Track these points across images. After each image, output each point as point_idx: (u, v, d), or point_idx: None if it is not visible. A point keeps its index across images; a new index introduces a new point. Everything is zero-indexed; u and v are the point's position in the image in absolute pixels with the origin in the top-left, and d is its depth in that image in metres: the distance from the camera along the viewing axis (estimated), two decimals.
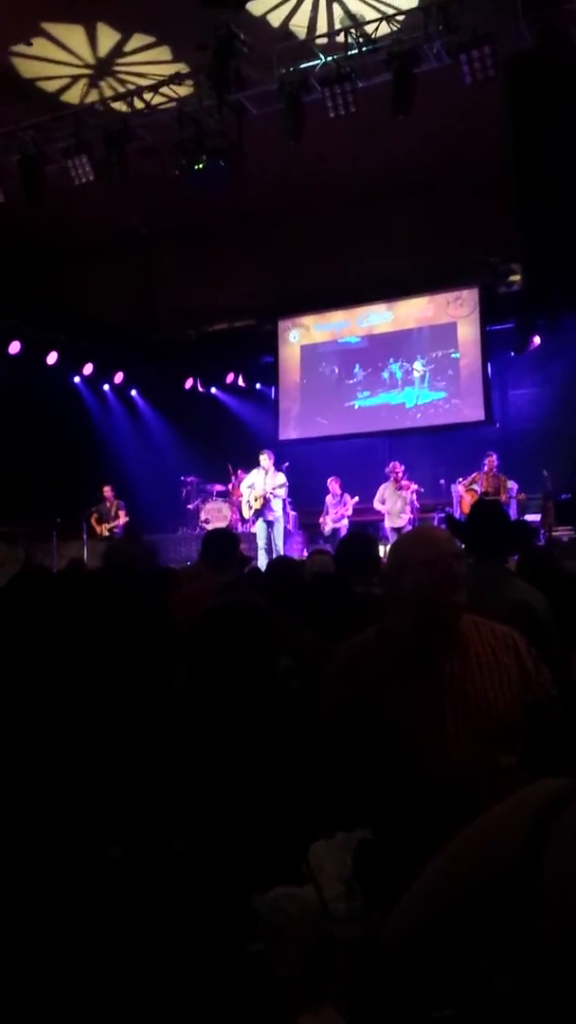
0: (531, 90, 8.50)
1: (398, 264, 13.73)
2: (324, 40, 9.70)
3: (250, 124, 10.08)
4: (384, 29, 9.26)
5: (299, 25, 9.85)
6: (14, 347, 13.21)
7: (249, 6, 9.15)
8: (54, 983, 1.49)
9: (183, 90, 10.22)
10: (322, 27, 9.82)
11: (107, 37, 9.98)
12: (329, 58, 9.50)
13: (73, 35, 9.87)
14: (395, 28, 9.19)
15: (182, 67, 10.15)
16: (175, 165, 10.40)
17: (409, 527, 11.27)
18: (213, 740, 1.94)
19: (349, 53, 9.34)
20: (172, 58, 10.25)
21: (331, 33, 9.65)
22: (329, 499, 12.28)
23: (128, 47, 10.14)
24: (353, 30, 9.37)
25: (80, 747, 2.07)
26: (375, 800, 1.96)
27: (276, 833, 1.69)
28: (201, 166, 10.26)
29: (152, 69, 10.46)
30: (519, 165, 8.86)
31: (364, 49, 9.29)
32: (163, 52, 10.20)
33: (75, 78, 10.73)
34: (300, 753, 2.01)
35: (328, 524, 12.14)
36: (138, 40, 10.04)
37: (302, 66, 9.63)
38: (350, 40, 9.36)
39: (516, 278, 12.56)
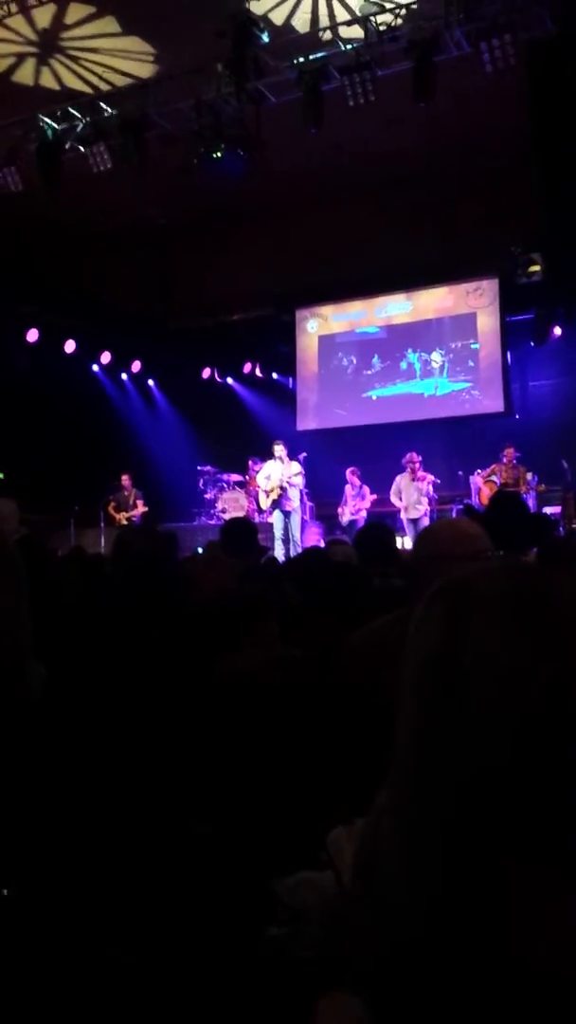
0: (553, 78, 8.43)
1: (417, 253, 13.66)
2: (345, 28, 9.64)
3: (268, 113, 10.05)
4: (405, 17, 9.19)
5: (302, 22, 9.79)
6: (32, 335, 13.25)
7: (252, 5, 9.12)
8: (76, 971, 1.51)
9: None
10: (324, 23, 9.73)
11: (44, 10, 9.61)
12: (349, 46, 9.46)
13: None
14: (415, 16, 9.12)
15: (136, 40, 9.95)
16: (193, 154, 10.38)
17: (426, 519, 11.25)
18: (235, 728, 1.95)
19: (369, 41, 9.29)
20: (122, 30, 9.94)
21: (351, 21, 9.58)
22: (348, 490, 12.28)
23: (68, 19, 9.81)
24: (373, 18, 9.31)
25: (96, 733, 2.09)
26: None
27: (297, 819, 1.70)
28: (219, 155, 10.25)
29: (104, 43, 10.18)
30: (541, 154, 8.80)
31: (385, 37, 9.23)
32: (110, 23, 9.84)
33: (20, 56, 10.41)
34: (320, 740, 2.02)
35: (346, 515, 12.15)
36: (78, 11, 9.67)
37: (321, 54, 9.59)
38: (370, 28, 9.30)
39: (536, 268, 12.46)
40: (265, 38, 9.30)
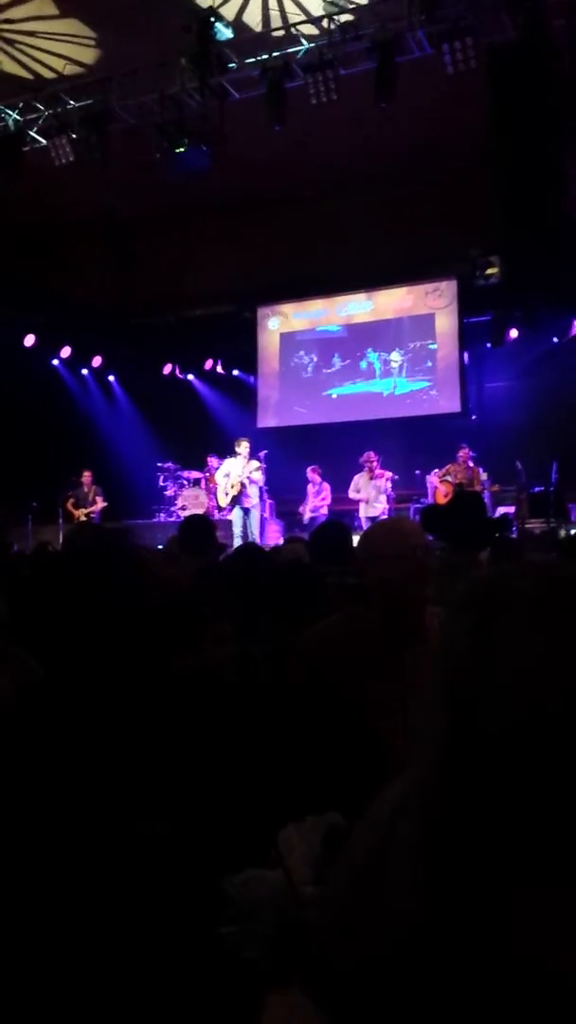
0: (512, 81, 8.52)
1: (378, 253, 13.73)
2: (307, 27, 9.65)
3: (232, 108, 10.03)
4: (367, 17, 9.23)
5: (265, 19, 9.77)
6: None
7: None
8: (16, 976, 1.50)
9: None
10: (288, 21, 9.71)
11: None
12: (312, 44, 9.48)
13: None
14: (377, 16, 9.17)
15: (74, 23, 9.76)
16: (156, 148, 10.33)
17: (384, 516, 11.32)
18: (183, 726, 1.95)
19: (331, 40, 9.33)
20: (59, 12, 9.67)
21: (314, 19, 9.60)
22: (310, 488, 12.33)
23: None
24: (336, 17, 9.34)
25: (48, 727, 2.08)
26: (344, 785, 1.99)
27: (246, 816, 1.71)
28: (183, 149, 10.21)
29: (42, 26, 9.89)
30: (499, 156, 8.89)
31: (347, 37, 9.27)
32: (45, 5, 9.54)
33: None
34: (271, 737, 2.03)
35: (307, 513, 12.19)
36: None
37: (284, 52, 9.60)
38: (332, 27, 9.33)
39: (494, 270, 12.59)
40: (229, 33, 9.30)
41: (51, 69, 10.59)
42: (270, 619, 2.99)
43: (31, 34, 10.05)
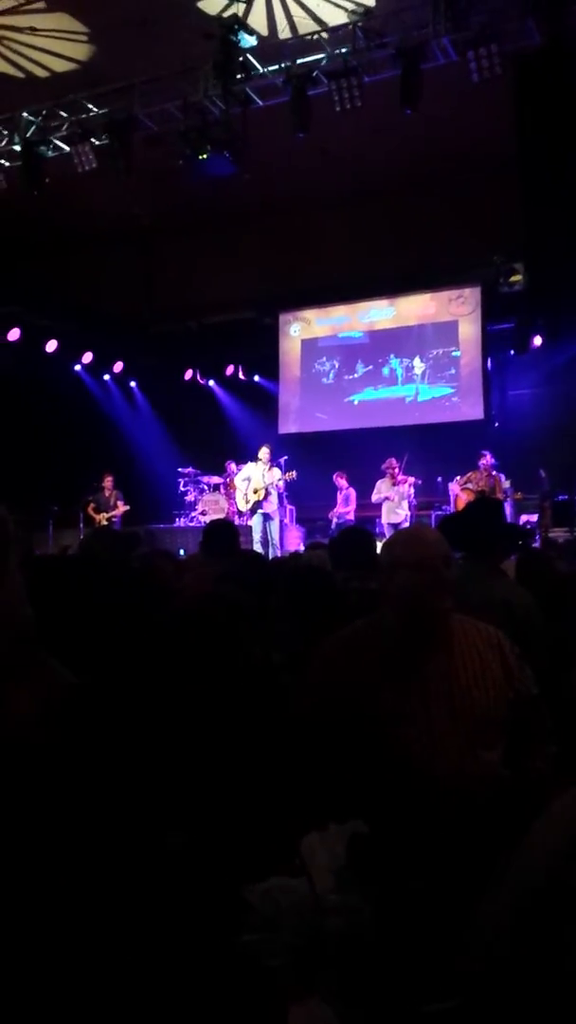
0: (538, 89, 8.49)
1: (401, 260, 13.72)
2: (332, 34, 9.66)
3: (255, 116, 10.06)
4: (393, 24, 9.23)
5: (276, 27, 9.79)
6: (13, 334, 13.17)
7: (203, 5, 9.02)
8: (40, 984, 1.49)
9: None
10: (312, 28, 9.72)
11: None
12: (336, 51, 9.49)
13: None
14: (403, 23, 9.16)
15: (64, 18, 9.62)
16: (179, 155, 10.37)
17: (406, 523, 11.29)
18: (205, 731, 1.94)
19: (356, 47, 9.33)
20: (47, 6, 9.51)
21: (339, 27, 9.61)
22: (339, 494, 12.36)
23: None
24: (360, 24, 9.35)
25: (66, 736, 2.07)
26: (367, 793, 1.97)
27: (269, 824, 1.70)
28: (205, 156, 10.23)
29: (28, 21, 9.71)
30: (525, 164, 8.86)
31: (372, 44, 9.27)
32: None
33: None
34: (292, 746, 2.02)
35: (334, 520, 12.21)
36: None
37: (308, 59, 9.62)
38: (357, 34, 9.34)
39: (518, 278, 12.55)
40: (252, 41, 9.31)
41: (43, 67, 10.48)
42: (287, 625, 2.98)
43: (17, 29, 9.87)
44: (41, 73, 10.60)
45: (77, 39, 10.09)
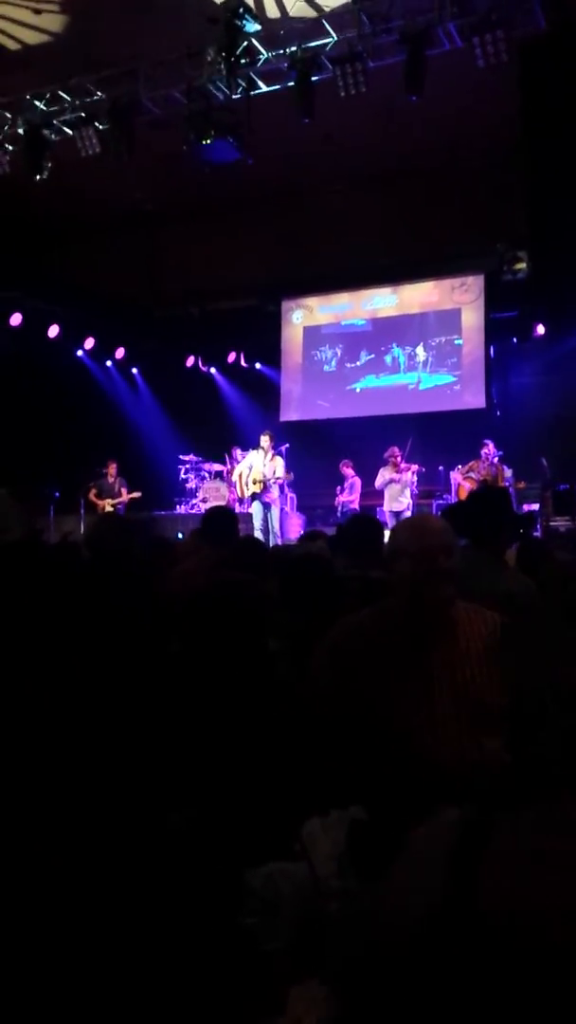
0: (544, 76, 8.45)
1: (404, 247, 13.67)
2: (337, 19, 9.59)
3: (260, 101, 10.00)
4: (398, 9, 9.17)
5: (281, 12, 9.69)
6: (15, 319, 13.14)
7: None
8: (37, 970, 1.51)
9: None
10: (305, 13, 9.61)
11: None
12: (341, 36, 9.43)
13: None
14: (408, 8, 9.10)
15: None
16: (183, 140, 10.32)
17: (408, 512, 11.29)
18: (208, 716, 1.95)
19: (361, 32, 9.27)
20: None
21: (344, 11, 9.54)
22: (344, 483, 12.36)
23: None
24: (365, 9, 9.28)
25: (73, 721, 2.08)
26: (368, 779, 1.98)
27: (270, 809, 1.71)
28: (209, 141, 10.18)
29: None
30: (530, 152, 8.82)
31: (377, 29, 9.21)
32: None
33: None
34: (294, 731, 2.03)
35: (340, 507, 12.23)
36: None
37: (313, 44, 9.56)
38: (363, 19, 9.27)
39: (522, 266, 12.51)
40: (257, 25, 9.25)
41: (15, 39, 10.28)
42: (284, 614, 2.99)
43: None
44: (12, 46, 10.34)
45: (48, 8, 9.76)
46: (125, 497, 12.58)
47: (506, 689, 2.15)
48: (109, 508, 12.30)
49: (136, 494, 12.71)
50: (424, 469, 11.94)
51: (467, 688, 2.12)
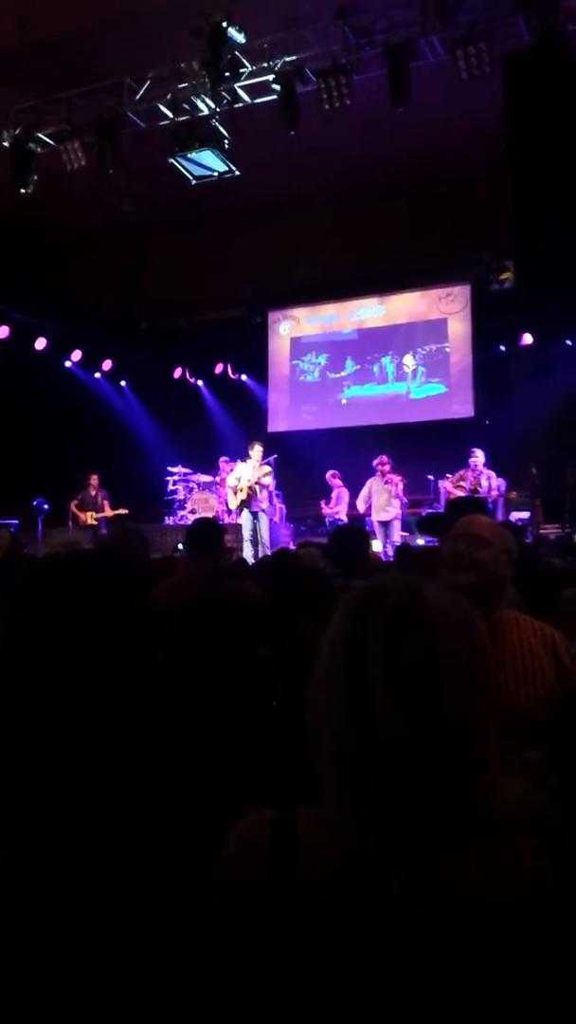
0: (528, 87, 8.49)
1: (390, 258, 13.72)
2: (320, 32, 9.64)
3: (244, 114, 10.04)
4: (382, 23, 9.22)
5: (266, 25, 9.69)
6: (2, 332, 13.12)
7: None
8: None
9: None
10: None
11: None
12: (325, 49, 9.47)
13: None
14: (392, 21, 9.15)
15: None
16: (168, 152, 10.34)
17: (397, 522, 11.28)
18: (197, 729, 1.93)
19: (345, 45, 9.32)
20: None
21: (325, 24, 9.59)
22: (332, 493, 12.33)
23: None
24: (350, 22, 9.34)
25: (64, 738, 2.06)
26: None
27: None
28: (194, 154, 10.21)
29: None
30: (515, 161, 8.85)
31: (361, 42, 9.26)
32: None
33: None
34: (286, 744, 2.00)
35: (328, 518, 12.19)
36: None
37: (297, 57, 9.60)
38: (346, 32, 9.32)
39: (508, 275, 12.56)
40: (241, 38, 9.29)
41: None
42: (274, 622, 2.97)
43: None
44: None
45: (32, 22, 9.60)
46: (108, 511, 12.40)
47: (549, 700, 2.13)
48: (92, 521, 12.21)
49: (123, 510, 12.56)
50: (408, 482, 11.89)
51: (507, 697, 2.09)
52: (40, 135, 10.84)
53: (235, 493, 11.32)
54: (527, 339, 13.08)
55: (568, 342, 12.86)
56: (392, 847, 0.95)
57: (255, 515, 11.24)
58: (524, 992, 0.92)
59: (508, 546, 2.27)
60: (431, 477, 12.37)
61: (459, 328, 13.97)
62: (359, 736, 0.97)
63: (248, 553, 10.56)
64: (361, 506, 11.61)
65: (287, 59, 9.63)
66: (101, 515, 12.35)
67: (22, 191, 10.91)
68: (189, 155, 10.25)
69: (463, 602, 1.07)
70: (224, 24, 9.06)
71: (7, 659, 2.31)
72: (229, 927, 1.01)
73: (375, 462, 11.74)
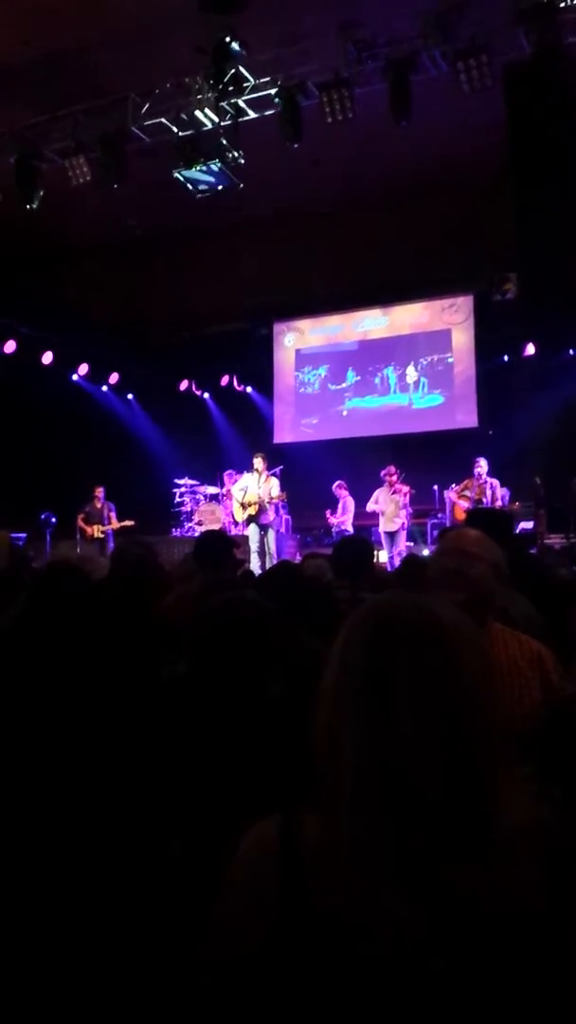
0: (529, 99, 8.53)
1: (394, 269, 13.77)
2: (322, 45, 9.70)
3: (248, 127, 10.10)
4: (383, 36, 9.28)
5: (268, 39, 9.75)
6: (9, 346, 13.19)
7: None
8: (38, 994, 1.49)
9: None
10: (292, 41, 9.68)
11: None
12: (327, 63, 9.53)
13: None
14: (393, 35, 9.21)
15: None
16: (172, 166, 10.41)
17: (403, 532, 11.28)
18: (211, 741, 1.94)
19: (347, 59, 9.38)
20: None
21: (328, 38, 9.65)
22: (338, 504, 12.32)
23: None
24: (351, 36, 9.40)
25: (73, 748, 2.07)
26: None
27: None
28: (198, 168, 10.27)
29: None
30: (517, 173, 8.89)
31: (362, 56, 9.32)
32: None
33: None
34: (289, 757, 2.01)
35: (335, 528, 12.18)
36: None
37: (300, 70, 9.66)
38: (348, 46, 9.38)
39: (511, 287, 12.59)
40: (244, 53, 9.35)
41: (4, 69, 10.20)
42: (289, 632, 2.97)
43: None
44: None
45: (37, 39, 9.67)
46: (115, 524, 12.38)
47: (536, 715, 2.13)
48: (98, 534, 12.20)
49: (129, 523, 12.53)
50: (415, 492, 11.89)
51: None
52: (45, 151, 10.91)
53: (242, 507, 11.31)
54: (530, 349, 13.10)
55: (571, 352, 12.87)
56: (403, 861, 0.97)
57: (263, 528, 11.24)
58: (522, 1003, 0.94)
59: (497, 560, 2.27)
60: (436, 487, 12.36)
61: (462, 339, 14.00)
62: (379, 754, 0.99)
63: (256, 565, 10.57)
64: (372, 506, 11.61)
65: (290, 73, 9.70)
66: (108, 527, 12.35)
67: (28, 207, 10.98)
68: (193, 169, 10.31)
69: (469, 619, 1.09)
70: (227, 39, 9.12)
71: (7, 663, 2.33)
72: (236, 925, 1.03)
73: (383, 473, 11.74)
